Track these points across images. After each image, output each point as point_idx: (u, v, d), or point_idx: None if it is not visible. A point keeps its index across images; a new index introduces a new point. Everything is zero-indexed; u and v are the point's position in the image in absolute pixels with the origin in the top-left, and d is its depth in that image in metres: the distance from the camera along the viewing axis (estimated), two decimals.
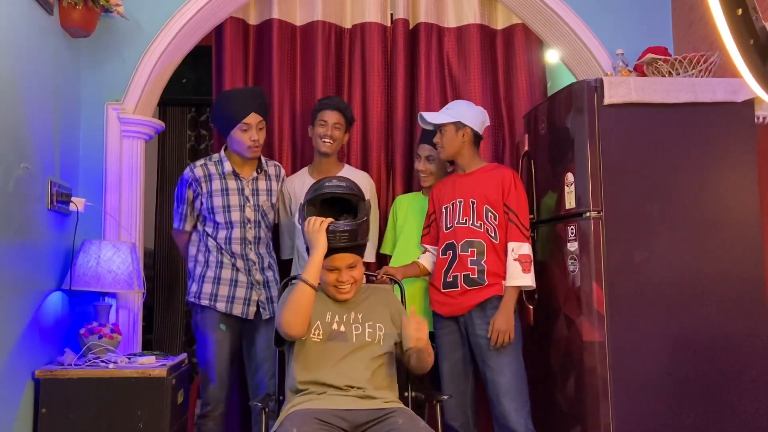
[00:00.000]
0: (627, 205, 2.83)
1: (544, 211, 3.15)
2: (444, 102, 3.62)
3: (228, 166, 3.08)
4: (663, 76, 3.11)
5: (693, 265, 2.82)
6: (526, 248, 2.92)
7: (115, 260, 2.90)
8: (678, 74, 3.07)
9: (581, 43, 3.59)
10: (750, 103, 2.89)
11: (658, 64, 3.13)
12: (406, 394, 2.71)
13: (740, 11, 1.22)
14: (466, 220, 2.98)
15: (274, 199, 3.19)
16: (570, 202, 2.91)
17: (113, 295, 3.10)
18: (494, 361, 2.88)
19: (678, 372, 2.76)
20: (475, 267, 2.93)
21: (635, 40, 3.44)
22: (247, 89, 3.33)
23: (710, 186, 2.87)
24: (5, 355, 2.45)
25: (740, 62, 1.25)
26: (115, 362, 2.75)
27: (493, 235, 2.95)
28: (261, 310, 3.07)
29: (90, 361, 2.76)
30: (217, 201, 3.04)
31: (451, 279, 2.97)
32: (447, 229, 3.03)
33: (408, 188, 3.64)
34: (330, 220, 2.46)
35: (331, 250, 2.46)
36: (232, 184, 3.07)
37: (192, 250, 3.12)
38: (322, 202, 2.56)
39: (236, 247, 3.04)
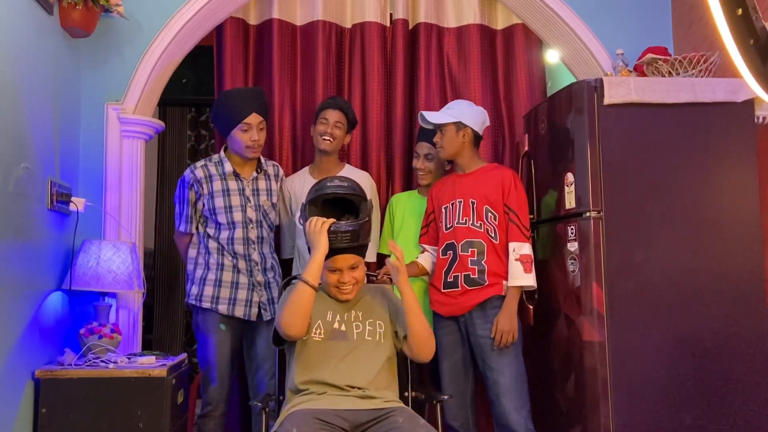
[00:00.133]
0: (627, 205, 2.83)
1: (544, 211, 3.15)
2: (444, 102, 3.62)
3: (228, 167, 3.07)
4: (663, 76, 3.11)
5: (693, 265, 2.82)
6: (527, 248, 2.92)
7: (115, 260, 2.90)
8: (678, 74, 3.07)
9: (581, 43, 3.59)
10: (750, 103, 2.89)
11: (658, 64, 3.13)
12: (406, 393, 2.71)
13: (740, 11, 1.22)
14: (466, 220, 2.98)
15: (274, 199, 3.19)
16: (570, 202, 2.91)
17: (113, 295, 3.10)
18: (494, 361, 2.88)
19: (678, 372, 2.76)
20: (476, 267, 2.93)
21: (635, 40, 3.44)
22: (247, 89, 3.33)
23: (710, 186, 2.87)
24: (5, 355, 2.45)
25: (740, 62, 1.25)
26: (115, 362, 2.75)
27: (493, 235, 2.95)
28: (262, 311, 3.06)
29: (90, 361, 2.76)
30: (219, 202, 3.04)
31: (452, 279, 2.97)
32: (447, 229, 3.03)
33: (407, 188, 3.63)
34: (332, 220, 2.45)
35: (333, 251, 2.45)
36: (232, 184, 3.07)
37: (192, 252, 3.12)
38: (323, 202, 2.55)
39: (239, 248, 3.04)
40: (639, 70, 3.24)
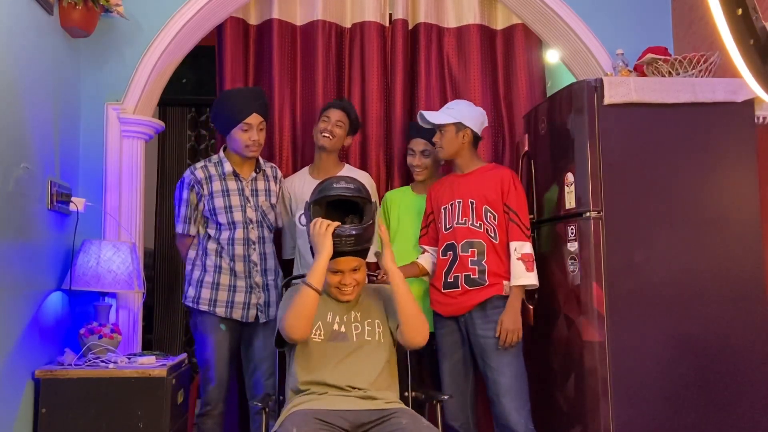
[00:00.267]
0: (627, 205, 2.83)
1: (544, 211, 3.15)
2: (444, 102, 3.61)
3: (228, 167, 3.07)
4: (663, 76, 3.11)
5: (693, 265, 2.82)
6: (528, 247, 2.92)
7: (115, 260, 2.90)
8: (678, 74, 3.07)
9: (581, 43, 3.59)
10: (750, 103, 2.89)
11: (658, 64, 3.13)
12: (406, 394, 2.71)
13: (740, 11, 1.22)
14: (465, 220, 2.98)
15: (273, 200, 3.18)
16: (570, 202, 2.91)
17: (113, 295, 3.10)
18: (495, 360, 2.87)
19: (678, 372, 2.76)
20: (476, 267, 2.93)
21: (635, 40, 3.43)
22: (248, 89, 3.33)
23: (710, 186, 2.87)
24: (5, 355, 2.45)
25: (740, 62, 1.25)
26: (115, 362, 2.75)
27: (493, 235, 2.95)
28: (259, 313, 3.06)
29: (90, 361, 2.76)
30: (219, 202, 3.04)
31: (452, 279, 2.97)
32: (446, 230, 3.02)
33: None
34: (336, 224, 2.44)
35: (336, 253, 2.45)
36: (232, 184, 3.07)
37: (191, 254, 3.12)
38: (327, 203, 2.55)
39: (239, 248, 3.04)
40: (639, 70, 3.24)
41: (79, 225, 3.01)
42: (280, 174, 3.30)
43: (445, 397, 2.69)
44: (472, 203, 2.97)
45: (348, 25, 3.79)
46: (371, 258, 3.24)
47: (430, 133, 3.13)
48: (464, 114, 3.02)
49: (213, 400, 3.03)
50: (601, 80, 2.87)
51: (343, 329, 2.52)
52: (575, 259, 2.86)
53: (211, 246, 3.06)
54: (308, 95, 3.70)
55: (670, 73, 3.09)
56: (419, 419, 2.33)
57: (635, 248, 2.81)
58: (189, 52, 3.55)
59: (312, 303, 2.41)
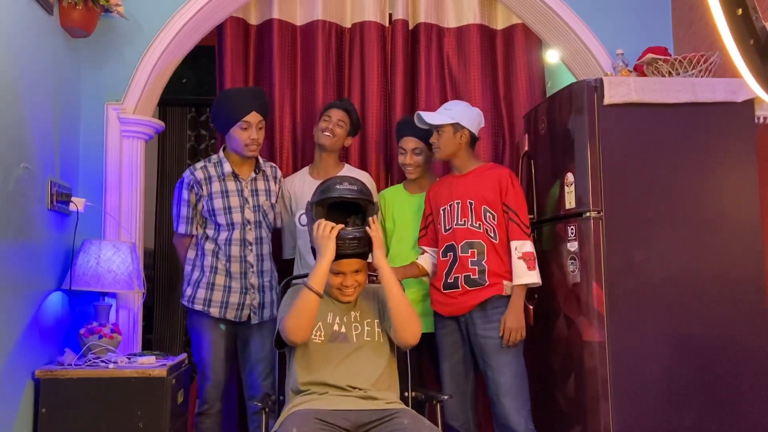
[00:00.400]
0: (627, 205, 2.83)
1: (544, 211, 3.14)
2: (444, 102, 3.60)
3: (227, 167, 3.07)
4: (663, 76, 3.11)
5: (693, 265, 2.82)
6: (528, 246, 2.91)
7: (115, 260, 2.90)
8: (678, 74, 3.07)
9: (581, 43, 3.59)
10: (750, 103, 2.89)
11: (658, 64, 3.13)
12: (406, 394, 2.71)
13: (740, 11, 1.22)
14: (464, 221, 2.98)
15: (273, 200, 3.18)
16: (570, 202, 2.91)
17: (113, 295, 3.10)
18: (495, 360, 2.87)
19: (678, 372, 2.76)
20: (476, 267, 2.92)
21: (635, 40, 3.44)
22: (248, 89, 3.35)
23: (710, 186, 2.87)
24: (5, 355, 2.45)
25: (740, 62, 1.25)
26: (115, 362, 2.75)
27: (492, 235, 2.95)
28: (252, 314, 3.06)
29: (90, 361, 2.76)
30: (218, 203, 3.04)
31: (452, 280, 2.96)
32: (446, 230, 3.02)
33: None
34: (340, 226, 2.44)
35: (339, 255, 2.45)
36: (231, 185, 3.07)
37: (190, 254, 3.12)
38: (330, 203, 2.55)
39: (235, 249, 3.04)
40: (639, 70, 3.24)
41: (79, 225, 3.01)
42: (279, 174, 3.30)
43: (445, 397, 2.69)
44: (470, 204, 2.97)
45: (348, 25, 3.79)
46: (370, 258, 3.26)
47: (420, 131, 3.13)
48: (462, 114, 3.01)
49: (210, 399, 3.03)
50: (601, 80, 2.87)
51: (343, 330, 2.52)
52: (575, 259, 2.86)
53: (209, 246, 3.06)
54: (308, 95, 3.70)
55: (670, 73, 3.09)
56: (421, 420, 2.33)
57: (635, 248, 2.81)
58: (189, 52, 3.55)
59: (313, 306, 2.41)
